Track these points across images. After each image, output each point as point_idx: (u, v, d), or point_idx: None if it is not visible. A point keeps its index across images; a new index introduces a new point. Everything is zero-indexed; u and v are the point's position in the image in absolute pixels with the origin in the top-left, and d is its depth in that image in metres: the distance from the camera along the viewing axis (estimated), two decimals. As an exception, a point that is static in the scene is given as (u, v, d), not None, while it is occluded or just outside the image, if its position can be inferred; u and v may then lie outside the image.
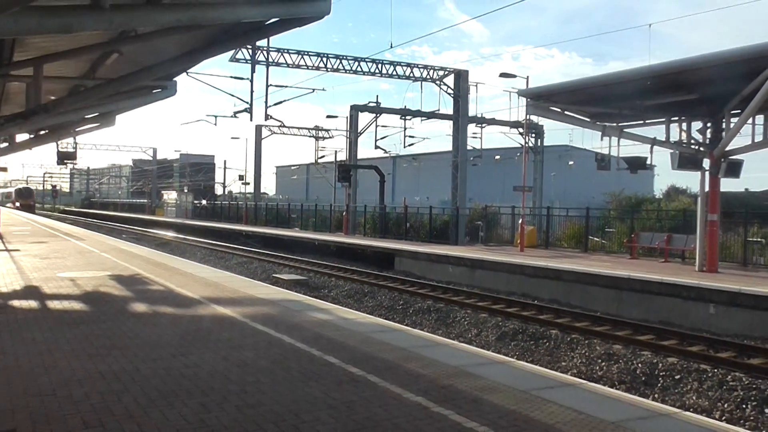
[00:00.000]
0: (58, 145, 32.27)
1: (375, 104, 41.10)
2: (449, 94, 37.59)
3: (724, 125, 18.94)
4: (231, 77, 35.92)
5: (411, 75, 36.90)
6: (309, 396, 5.48)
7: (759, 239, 22.80)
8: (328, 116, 48.01)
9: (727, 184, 20.95)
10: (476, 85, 40.25)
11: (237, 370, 6.29)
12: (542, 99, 21.10)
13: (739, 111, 17.92)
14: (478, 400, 5.42)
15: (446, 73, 37.89)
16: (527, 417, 5.03)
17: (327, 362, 6.66)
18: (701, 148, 19.66)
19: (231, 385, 5.75)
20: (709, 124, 19.56)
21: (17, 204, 79.99)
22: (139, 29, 9.69)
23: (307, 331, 8.21)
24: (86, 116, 18.25)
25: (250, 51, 32.52)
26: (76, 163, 57.81)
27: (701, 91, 17.59)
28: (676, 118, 20.38)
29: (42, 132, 19.73)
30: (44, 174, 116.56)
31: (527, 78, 28.44)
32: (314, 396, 5.48)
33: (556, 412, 5.17)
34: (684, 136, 20.35)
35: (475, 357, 7.10)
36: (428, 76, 37.43)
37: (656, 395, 10.49)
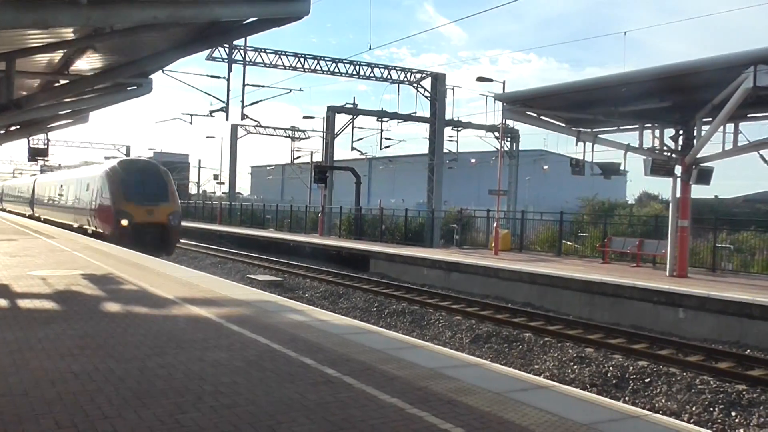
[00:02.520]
0: (29, 141, 31.84)
1: (352, 106, 41.11)
2: (426, 96, 37.74)
3: (695, 133, 19.26)
4: (207, 76, 35.66)
5: (389, 77, 36.98)
6: (285, 397, 5.48)
7: (728, 245, 23.21)
8: (305, 117, 47.79)
9: (698, 191, 21.32)
10: (453, 89, 40.46)
11: (212, 370, 6.26)
12: (518, 103, 21.28)
13: (710, 119, 18.24)
14: (453, 402, 5.46)
15: (424, 76, 38.02)
16: (501, 419, 5.08)
17: (303, 363, 6.66)
18: (673, 155, 19.97)
19: (206, 386, 5.72)
20: (681, 132, 19.88)
21: None
22: (115, 26, 9.60)
23: (283, 332, 8.20)
24: (59, 112, 18.02)
25: (227, 50, 32.35)
26: (47, 160, 57.04)
27: (674, 99, 17.87)
28: (650, 125, 20.67)
29: (13, 128, 19.45)
30: (14, 171, 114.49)
31: (504, 82, 28.64)
32: (290, 397, 5.48)
33: (529, 414, 5.23)
34: (657, 142, 20.66)
35: (449, 359, 7.14)
36: (406, 79, 37.53)
37: (627, 398, 10.64)
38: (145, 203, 26.12)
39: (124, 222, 25.53)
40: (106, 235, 25.85)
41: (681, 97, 17.62)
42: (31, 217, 45.43)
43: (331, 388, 5.81)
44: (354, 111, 41.15)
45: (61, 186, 36.13)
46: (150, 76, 14.93)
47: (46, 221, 38.95)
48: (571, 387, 6.18)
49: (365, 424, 4.89)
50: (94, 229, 27.97)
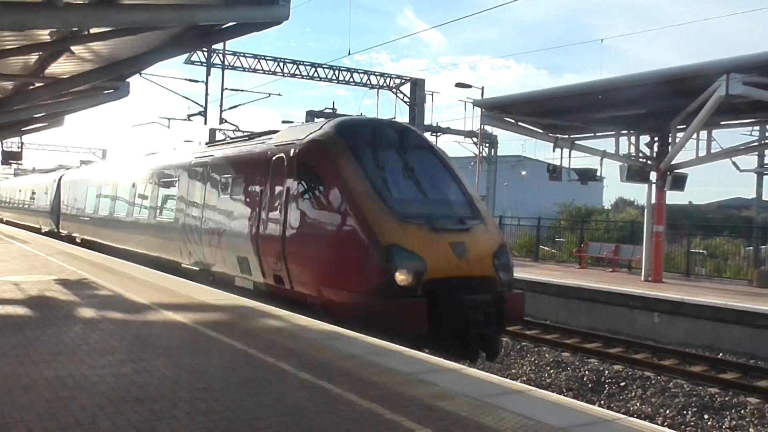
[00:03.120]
0: (2, 144, 31.37)
1: (331, 110, 41.05)
2: (406, 102, 37.83)
3: (670, 140, 19.53)
4: (186, 80, 35.46)
5: (368, 82, 37.02)
6: (262, 403, 5.45)
7: (701, 251, 23.54)
8: (284, 122, 47.63)
9: (673, 197, 21.64)
10: (432, 94, 40.52)
11: (188, 376, 6.21)
12: (497, 109, 21.44)
13: (684, 126, 18.51)
14: (431, 407, 5.47)
15: (403, 81, 38.13)
16: (479, 423, 5.10)
17: (280, 369, 6.63)
18: (648, 162, 20.23)
19: (182, 392, 5.68)
20: (656, 139, 20.17)
21: None
22: (92, 29, 9.52)
23: (260, 338, 8.16)
24: (34, 116, 17.81)
25: (205, 54, 32.19)
26: (21, 164, 56.00)
27: (649, 106, 18.12)
28: (626, 132, 20.94)
29: (-14, 131, 19.17)
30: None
31: (482, 88, 28.86)
32: (267, 403, 5.46)
33: (506, 418, 5.25)
34: (633, 149, 20.92)
35: (427, 364, 7.15)
36: (385, 84, 37.60)
37: (602, 402, 10.73)
38: (443, 226, 10.49)
39: (403, 276, 9.68)
40: (327, 307, 10.41)
41: (656, 105, 17.87)
42: (52, 234, 28.73)
43: (309, 393, 5.79)
44: (333, 116, 41.09)
45: (163, 181, 17.54)
46: (127, 80, 14.81)
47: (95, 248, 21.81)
48: (547, 391, 6.22)
49: (342, 429, 4.89)
50: (269, 284, 11.94)
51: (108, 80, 13.73)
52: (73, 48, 10.83)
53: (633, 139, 20.96)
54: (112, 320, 9.16)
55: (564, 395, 9.73)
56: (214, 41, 14.62)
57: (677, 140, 18.88)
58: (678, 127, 19.11)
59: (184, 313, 9.86)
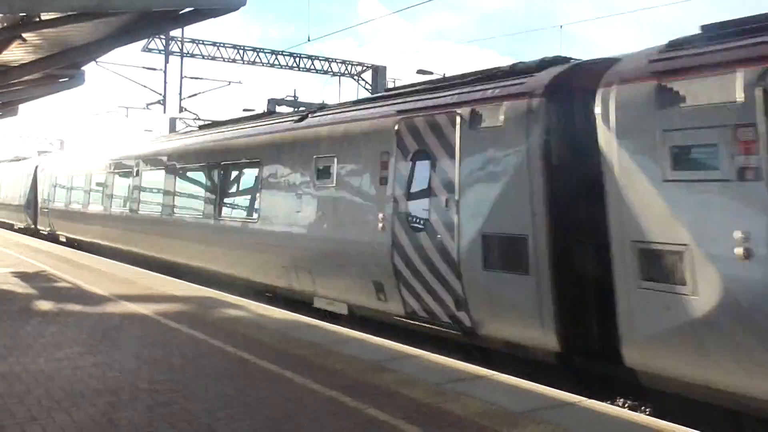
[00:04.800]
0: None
1: (293, 98, 40.71)
2: (367, 89, 37.69)
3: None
4: (144, 68, 34.72)
5: (329, 69, 36.78)
6: (223, 393, 5.40)
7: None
8: (245, 110, 47.03)
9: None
10: (394, 81, 40.40)
11: (148, 368, 6.13)
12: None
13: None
14: (393, 394, 5.48)
15: (365, 68, 37.96)
16: (441, 409, 5.12)
17: (241, 359, 6.58)
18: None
19: (142, 384, 5.60)
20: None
21: None
22: (43, 14, 9.25)
23: (222, 328, 8.09)
24: (-15, 105, 17.31)
25: (163, 41, 31.62)
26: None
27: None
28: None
29: (-64, 121, 18.60)
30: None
31: (444, 75, 28.83)
32: (228, 393, 5.41)
33: (468, 403, 5.29)
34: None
35: (390, 351, 7.16)
36: (347, 71, 37.41)
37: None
38: None
39: None
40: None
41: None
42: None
43: (271, 383, 5.76)
44: (295, 103, 40.63)
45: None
46: (82, 68, 14.45)
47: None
48: (509, 376, 6.28)
49: (306, 418, 4.87)
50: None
51: (62, 68, 13.36)
52: (24, 35, 10.52)
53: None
54: (71, 313, 8.98)
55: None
56: (170, 28, 14.36)
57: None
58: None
59: (146, 304, 9.72)
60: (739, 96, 5.30)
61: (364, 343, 7.51)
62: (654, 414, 5.91)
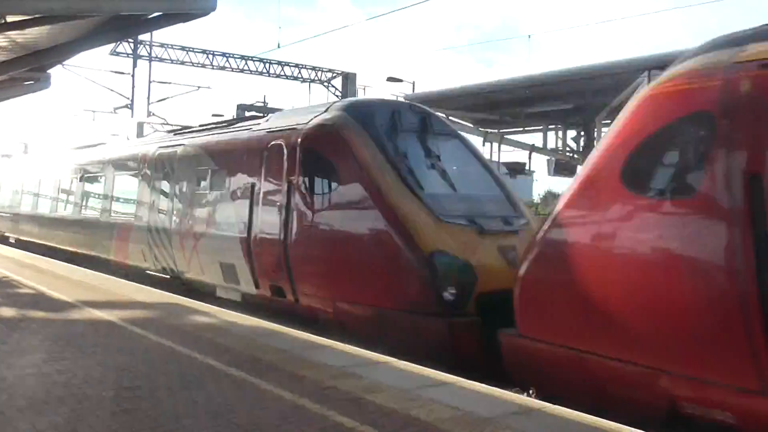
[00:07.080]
0: None
1: (262, 104, 40.56)
2: (337, 96, 37.72)
3: (595, 134, 20.13)
4: (111, 72, 34.34)
5: (299, 76, 36.78)
6: (189, 400, 5.37)
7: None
8: (214, 115, 46.83)
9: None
10: (365, 88, 40.56)
11: (113, 375, 6.06)
12: (427, 104, 21.59)
13: (609, 121, 19.10)
14: (360, 401, 5.50)
15: (335, 75, 38.02)
16: (408, 415, 5.15)
17: (208, 365, 6.54)
18: (575, 156, 20.80)
19: (107, 391, 5.54)
20: (582, 133, 20.74)
21: None
22: (8, 17, 9.13)
23: (188, 335, 8.03)
24: (-52, 107, 16.98)
25: (131, 45, 31.34)
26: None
27: (575, 102, 18.63)
28: (553, 127, 21.47)
29: None
30: None
31: (413, 83, 29.06)
32: (195, 400, 5.38)
33: (435, 409, 5.33)
34: (560, 143, 21.47)
35: (357, 358, 7.18)
36: (317, 78, 37.44)
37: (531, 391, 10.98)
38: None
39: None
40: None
41: (581, 100, 18.39)
42: None
43: (238, 390, 5.74)
44: (264, 109, 40.51)
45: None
46: (49, 71, 14.27)
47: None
48: (475, 381, 6.33)
49: (271, 425, 4.86)
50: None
51: (28, 71, 13.18)
52: (-12, 37, 10.38)
53: (560, 133, 21.51)
54: (34, 319, 8.84)
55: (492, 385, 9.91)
56: (139, 32, 14.25)
57: (602, 135, 19.50)
58: (603, 122, 19.71)
59: (111, 310, 9.60)
60: None
61: (332, 350, 7.51)
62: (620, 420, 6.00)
